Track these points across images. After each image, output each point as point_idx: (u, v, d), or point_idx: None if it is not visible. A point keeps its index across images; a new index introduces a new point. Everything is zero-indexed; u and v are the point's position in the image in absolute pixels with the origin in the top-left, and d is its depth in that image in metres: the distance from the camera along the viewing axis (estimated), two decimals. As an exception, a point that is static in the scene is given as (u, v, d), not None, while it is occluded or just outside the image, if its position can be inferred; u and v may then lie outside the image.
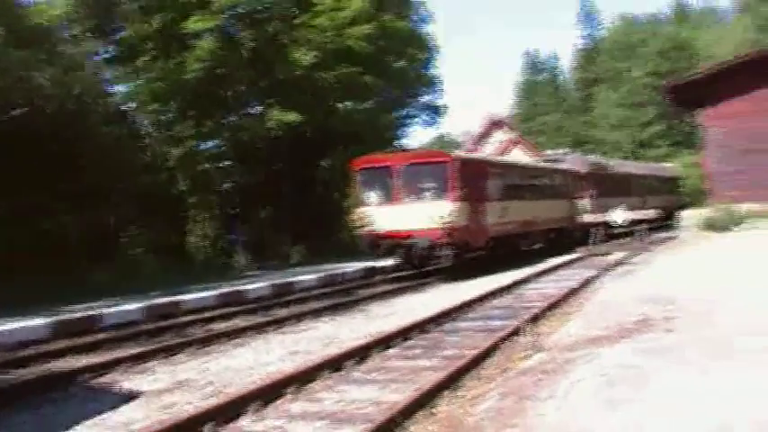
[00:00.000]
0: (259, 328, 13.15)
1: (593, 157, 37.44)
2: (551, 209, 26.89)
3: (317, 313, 14.76)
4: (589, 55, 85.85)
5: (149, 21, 25.72)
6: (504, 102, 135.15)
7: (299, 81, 27.18)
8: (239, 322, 14.22)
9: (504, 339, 9.85)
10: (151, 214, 25.23)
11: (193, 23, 25.43)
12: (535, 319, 11.54)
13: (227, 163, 31.44)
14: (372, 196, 20.33)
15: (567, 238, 27.70)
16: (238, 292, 17.71)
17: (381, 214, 19.66)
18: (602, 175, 33.58)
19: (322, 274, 20.43)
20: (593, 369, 6.20)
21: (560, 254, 24.91)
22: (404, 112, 38.19)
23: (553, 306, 12.89)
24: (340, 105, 30.76)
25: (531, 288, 16.82)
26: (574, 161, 32.78)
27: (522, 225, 23.86)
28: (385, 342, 10.67)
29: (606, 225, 26.93)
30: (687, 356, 6.10)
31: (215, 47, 25.47)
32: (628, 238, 29.78)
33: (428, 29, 37.70)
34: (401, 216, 19.23)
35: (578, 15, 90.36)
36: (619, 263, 20.71)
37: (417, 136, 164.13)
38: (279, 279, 19.79)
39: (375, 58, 29.13)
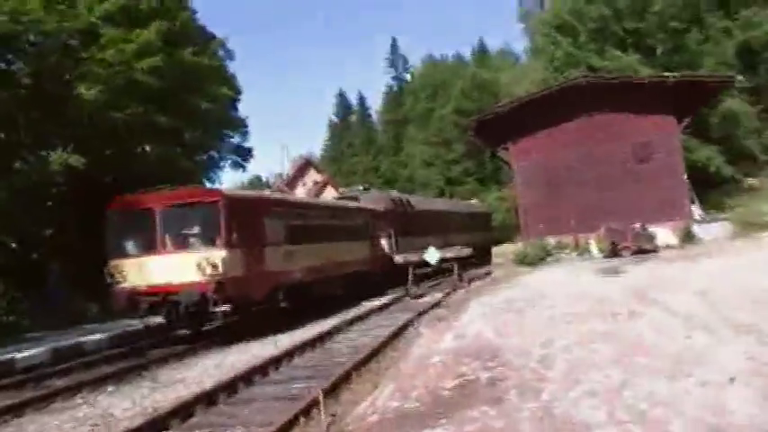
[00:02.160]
0: (16, 410, 10.80)
1: (392, 194, 35.83)
2: (348, 251, 24.44)
3: (98, 383, 12.57)
4: (397, 96, 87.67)
5: None
6: (318, 143, 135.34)
7: (86, 121, 24.32)
8: (-6, 401, 11.67)
9: (302, 413, 8.19)
10: None
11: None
12: (341, 381, 10.00)
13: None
14: (130, 245, 17.08)
15: (370, 281, 25.81)
16: (4, 362, 14.82)
17: (140, 266, 16.46)
18: (404, 212, 31.67)
19: (114, 333, 17.75)
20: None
21: (373, 297, 23.69)
22: (212, 155, 36.18)
23: (363, 363, 11.43)
24: (142, 147, 28.22)
25: (340, 340, 15.29)
26: (371, 198, 30.47)
27: (314, 271, 21.21)
28: (162, 421, 8.82)
29: (419, 265, 25.90)
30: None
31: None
32: (440, 278, 29.18)
33: (231, 68, 35.84)
34: (163, 267, 16.12)
35: (386, 58, 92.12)
36: (434, 305, 19.69)
37: (230, 180, 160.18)
38: (63, 341, 17.03)
39: (171, 95, 26.80)
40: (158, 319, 16.91)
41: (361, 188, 34.64)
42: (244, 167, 39.43)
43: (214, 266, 15.39)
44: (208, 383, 11.42)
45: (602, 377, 6.31)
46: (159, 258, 16.20)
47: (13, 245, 26.97)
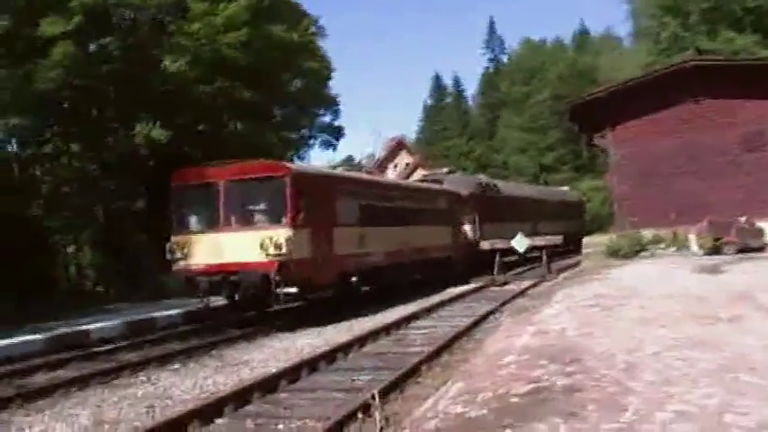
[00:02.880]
0: (80, 383, 10.65)
1: (478, 178, 34.40)
2: (428, 236, 23.33)
3: (166, 359, 12.39)
4: (493, 79, 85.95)
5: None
6: (411, 126, 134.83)
7: (172, 94, 24.37)
8: (64, 374, 11.62)
9: (361, 408, 7.56)
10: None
11: (48, 26, 22.28)
12: (409, 375, 9.36)
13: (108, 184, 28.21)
14: (192, 220, 16.50)
15: (452, 268, 24.69)
16: (80, 333, 14.87)
17: (201, 243, 15.68)
18: (490, 197, 30.37)
19: (191, 309, 17.44)
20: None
21: (458, 284, 22.92)
22: (303, 134, 36.11)
23: (435, 355, 10.77)
24: (234, 124, 28.28)
25: (416, 328, 14.62)
26: (456, 182, 29.25)
27: (391, 256, 20.19)
28: (216, 406, 8.37)
29: (506, 252, 24.94)
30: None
31: (74, 53, 22.36)
32: (528, 267, 28.16)
33: (325, 46, 35.36)
34: (225, 245, 15.29)
35: (484, 40, 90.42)
36: (517, 295, 18.82)
37: (322, 159, 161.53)
38: (141, 314, 17.01)
39: (259, 71, 26.54)
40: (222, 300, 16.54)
41: (445, 170, 33.40)
42: (334, 146, 39.23)
43: (278, 246, 14.64)
44: (272, 367, 11.05)
45: (697, 395, 5.39)
46: (221, 235, 15.58)
47: (102, 218, 27.47)
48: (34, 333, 14.57)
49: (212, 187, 15.82)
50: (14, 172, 25.86)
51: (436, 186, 27.15)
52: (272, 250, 14.62)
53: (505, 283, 22.91)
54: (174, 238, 16.10)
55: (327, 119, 36.35)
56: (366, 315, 16.91)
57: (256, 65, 26.07)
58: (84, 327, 15.37)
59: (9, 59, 23.29)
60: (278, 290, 14.86)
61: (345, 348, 12.10)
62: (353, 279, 18.16)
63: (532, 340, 9.10)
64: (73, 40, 22.51)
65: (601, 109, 27.69)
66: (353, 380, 9.81)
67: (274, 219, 15.44)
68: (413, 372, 9.56)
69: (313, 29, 34.50)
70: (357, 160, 78.62)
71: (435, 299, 19.28)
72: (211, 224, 15.91)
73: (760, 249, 22.57)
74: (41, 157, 26.58)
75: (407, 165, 65.46)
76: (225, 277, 15.09)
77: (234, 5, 24.37)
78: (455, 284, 22.80)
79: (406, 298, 19.56)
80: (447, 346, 11.51)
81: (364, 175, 28.70)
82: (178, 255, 15.80)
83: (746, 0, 34.93)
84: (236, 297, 15.95)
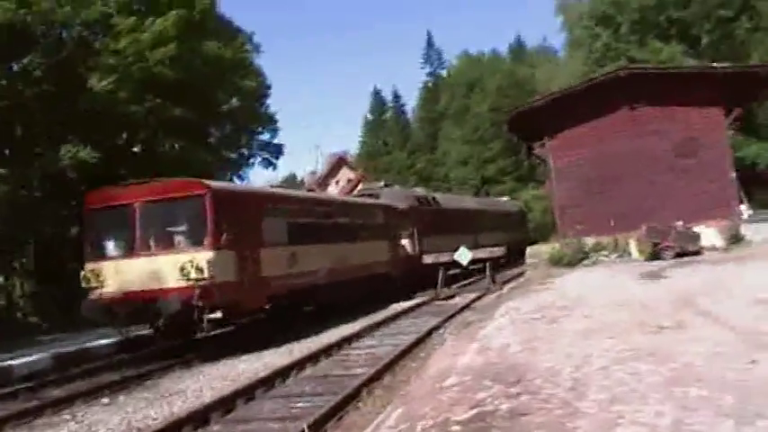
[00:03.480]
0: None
1: (416, 191, 34.09)
2: (365, 252, 22.53)
3: (95, 393, 11.68)
4: (432, 93, 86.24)
5: None
6: (353, 141, 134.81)
7: (100, 114, 23.53)
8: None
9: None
10: None
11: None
12: (349, 399, 8.95)
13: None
14: (107, 245, 15.47)
15: (390, 284, 24.06)
16: (2, 368, 13.94)
17: (117, 270, 14.64)
18: (429, 210, 30.01)
19: (128, 336, 16.49)
20: None
21: (403, 300, 22.57)
22: (242, 152, 35.59)
23: (377, 376, 10.40)
24: (171, 144, 27.56)
25: (359, 348, 14.21)
26: (393, 195, 28.47)
27: (324, 275, 19.33)
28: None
29: (449, 266, 24.69)
30: None
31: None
32: (471, 279, 28.02)
33: (263, 65, 35.12)
34: (143, 271, 14.29)
35: (423, 53, 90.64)
36: (461, 309, 18.58)
37: (265, 178, 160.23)
38: (72, 345, 16.12)
39: (191, 88, 25.84)
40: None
41: (381, 184, 32.54)
42: (274, 165, 38.74)
43: (199, 270, 13.78)
44: (207, 396, 10.55)
45: (648, 415, 5.09)
46: (138, 261, 14.61)
47: (32, 244, 26.38)
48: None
49: (127, 209, 14.85)
50: None
51: (372, 201, 26.52)
52: (193, 275, 13.76)
53: (450, 297, 22.67)
54: (88, 266, 15.04)
55: (266, 137, 35.99)
56: (308, 336, 16.39)
57: (188, 80, 25.40)
58: (9, 362, 14.46)
59: None
60: (202, 316, 14.08)
61: (284, 373, 11.66)
62: (286, 301, 17.42)
63: (476, 358, 8.77)
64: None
65: (539, 118, 27.83)
66: (291, 407, 9.35)
67: (195, 241, 14.56)
68: (352, 396, 9.15)
69: (248, 46, 34.09)
70: (300, 178, 78.07)
71: (379, 316, 18.91)
72: (128, 249, 14.95)
73: (696, 253, 22.82)
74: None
75: (349, 180, 65.22)
76: (144, 305, 14.11)
77: (161, 20, 23.63)
78: (399, 300, 22.42)
79: (351, 316, 19.13)
80: (389, 367, 11.12)
81: (293, 192, 27.68)
82: (93, 283, 14.76)
83: (670, 11, 35.88)
84: (159, 325, 15.10)
